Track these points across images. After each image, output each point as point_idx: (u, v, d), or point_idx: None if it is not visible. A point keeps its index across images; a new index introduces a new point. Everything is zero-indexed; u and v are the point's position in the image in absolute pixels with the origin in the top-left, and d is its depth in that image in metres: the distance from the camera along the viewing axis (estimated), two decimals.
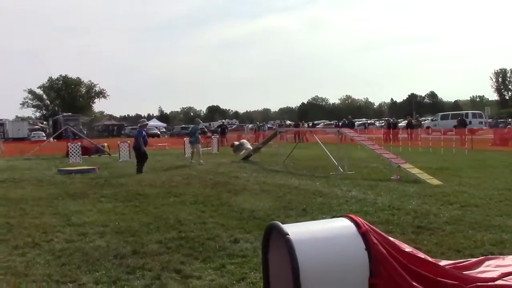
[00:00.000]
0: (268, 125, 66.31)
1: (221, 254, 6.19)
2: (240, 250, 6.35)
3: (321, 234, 3.95)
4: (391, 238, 4.29)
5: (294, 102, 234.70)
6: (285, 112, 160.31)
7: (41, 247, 6.83)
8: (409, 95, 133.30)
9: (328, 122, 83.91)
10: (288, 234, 3.84)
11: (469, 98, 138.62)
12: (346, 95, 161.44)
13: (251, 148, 22.39)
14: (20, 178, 16.03)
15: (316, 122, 76.94)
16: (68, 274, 5.52)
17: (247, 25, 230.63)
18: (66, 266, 5.85)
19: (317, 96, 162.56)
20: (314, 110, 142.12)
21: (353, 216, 4.17)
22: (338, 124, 51.27)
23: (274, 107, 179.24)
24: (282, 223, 3.97)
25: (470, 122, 42.12)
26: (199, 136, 21.44)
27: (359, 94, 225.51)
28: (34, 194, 12.13)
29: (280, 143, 22.42)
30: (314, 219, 8.15)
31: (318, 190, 11.70)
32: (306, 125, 49.27)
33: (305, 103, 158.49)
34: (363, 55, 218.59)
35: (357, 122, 57.54)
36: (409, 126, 37.21)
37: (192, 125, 22.71)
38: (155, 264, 5.79)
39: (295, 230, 3.96)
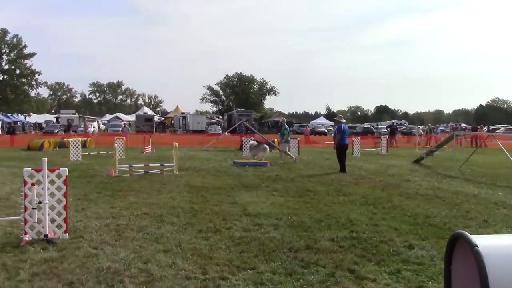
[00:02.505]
0: (441, 128, 62.61)
1: (395, 258, 6.03)
2: (415, 256, 6.11)
3: None
4: None
5: (471, 104, 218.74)
6: (460, 114, 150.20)
7: (222, 233, 7.33)
8: None
9: (510, 126, 76.39)
10: (477, 246, 3.58)
11: None
12: None
13: (265, 155, 19.75)
14: (200, 167, 17.42)
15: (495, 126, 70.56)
16: (247, 261, 5.85)
17: (420, 21, 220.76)
18: (244, 253, 6.21)
19: (497, 98, 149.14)
20: (493, 113, 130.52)
21: None
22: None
23: (448, 109, 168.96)
24: None
25: None
26: (288, 137, 20.99)
27: None
28: (213, 183, 13.09)
29: (456, 148, 21.01)
30: (498, 232, 7.53)
31: (501, 200, 10.75)
32: (485, 129, 45.52)
33: (483, 105, 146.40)
34: None
35: None
36: None
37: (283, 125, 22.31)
38: (328, 261, 5.85)
39: (485, 243, 3.66)
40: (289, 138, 21.10)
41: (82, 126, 56.58)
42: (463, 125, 69.22)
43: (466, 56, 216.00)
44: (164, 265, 5.64)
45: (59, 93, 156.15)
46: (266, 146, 20.44)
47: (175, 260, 5.85)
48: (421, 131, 51.87)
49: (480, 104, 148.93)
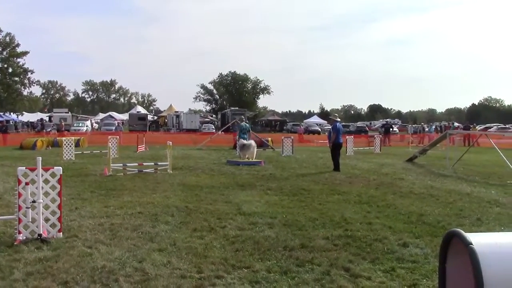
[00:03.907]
0: (433, 127, 62.70)
1: (390, 257, 6.06)
2: (410, 255, 6.15)
3: None
4: None
5: (463, 103, 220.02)
6: (452, 113, 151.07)
7: (216, 232, 7.33)
8: None
9: (502, 126, 76.75)
10: (471, 244, 3.59)
11: None
12: None
13: (254, 152, 19.47)
14: (194, 166, 17.38)
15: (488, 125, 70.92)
16: (242, 260, 5.86)
17: (416, 21, 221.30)
18: (240, 252, 6.21)
19: (490, 97, 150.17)
20: (486, 112, 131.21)
21: None
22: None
23: (440, 108, 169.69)
24: None
25: None
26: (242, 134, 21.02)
27: None
28: (207, 182, 13.07)
29: (448, 146, 21.10)
30: (491, 230, 7.57)
31: (494, 199, 10.81)
32: (477, 128, 45.76)
33: (476, 104, 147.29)
34: None
35: None
36: None
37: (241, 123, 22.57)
38: (323, 260, 5.87)
39: (480, 240, 3.67)
40: (245, 136, 21.03)
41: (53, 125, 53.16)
42: (455, 124, 69.26)
43: (459, 55, 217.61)
44: (159, 264, 5.64)
45: (52, 92, 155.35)
46: (251, 142, 20.13)
47: (170, 259, 5.85)
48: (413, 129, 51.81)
49: (473, 103, 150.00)
